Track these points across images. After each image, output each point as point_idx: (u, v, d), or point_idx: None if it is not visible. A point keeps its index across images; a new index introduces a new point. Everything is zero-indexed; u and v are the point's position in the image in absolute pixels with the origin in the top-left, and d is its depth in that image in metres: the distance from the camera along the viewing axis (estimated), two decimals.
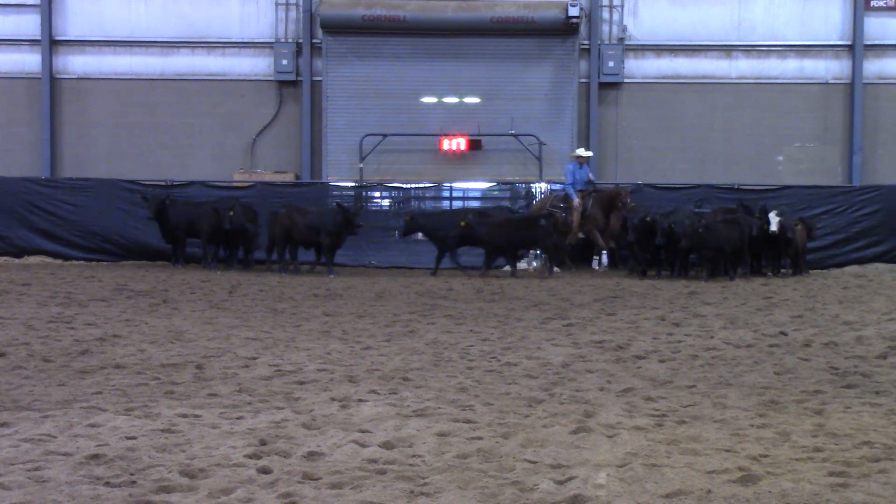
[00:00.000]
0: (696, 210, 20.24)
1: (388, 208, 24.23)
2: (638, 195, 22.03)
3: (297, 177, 25.20)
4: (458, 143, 24.93)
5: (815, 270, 20.86)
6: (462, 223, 19.22)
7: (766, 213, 19.22)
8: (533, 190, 22.90)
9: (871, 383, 8.46)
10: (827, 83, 25.51)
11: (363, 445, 6.25)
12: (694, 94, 25.59)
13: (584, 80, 25.40)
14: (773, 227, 18.82)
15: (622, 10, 25.46)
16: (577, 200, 20.58)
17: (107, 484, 5.38)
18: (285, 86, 25.62)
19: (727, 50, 25.56)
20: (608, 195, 20.60)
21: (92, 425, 6.69)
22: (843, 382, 8.51)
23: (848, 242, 21.65)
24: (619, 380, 8.64)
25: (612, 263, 21.42)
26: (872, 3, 25.23)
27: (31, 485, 5.34)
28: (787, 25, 25.44)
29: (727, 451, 6.18)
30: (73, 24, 25.71)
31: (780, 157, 25.65)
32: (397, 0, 24.91)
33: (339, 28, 25.12)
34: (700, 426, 6.86)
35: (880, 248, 21.99)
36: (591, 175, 21.36)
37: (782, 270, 19.93)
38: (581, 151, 21.55)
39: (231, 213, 19.96)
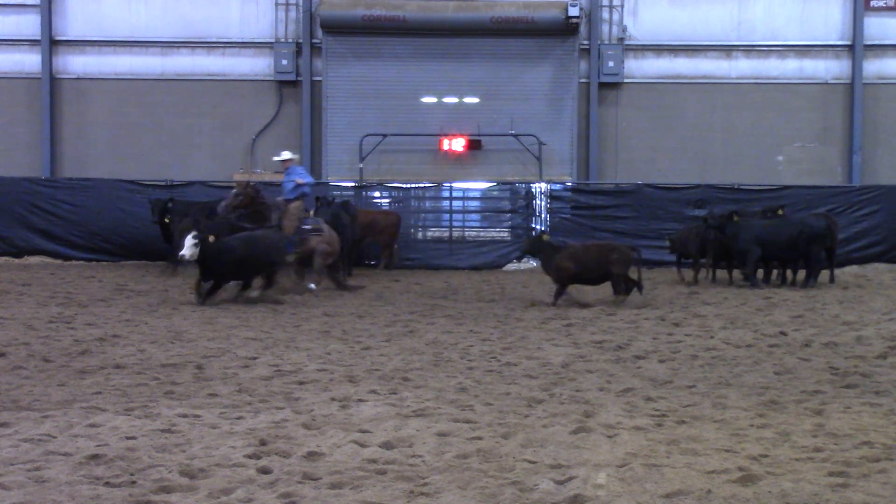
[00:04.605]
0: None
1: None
2: (637, 195, 22.06)
3: None
4: (458, 144, 24.91)
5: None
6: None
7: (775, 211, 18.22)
8: (533, 190, 22.78)
9: (871, 383, 8.46)
10: (827, 83, 25.49)
11: (363, 445, 6.25)
12: (694, 94, 25.57)
13: (583, 80, 25.38)
14: None
15: (622, 10, 25.44)
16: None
17: (107, 484, 5.38)
18: (285, 86, 25.61)
19: (727, 50, 25.55)
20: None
21: (92, 425, 6.69)
22: (843, 382, 8.51)
23: (848, 242, 21.49)
24: (619, 380, 8.64)
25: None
26: (872, 3, 25.21)
27: (31, 485, 5.34)
28: (787, 25, 25.43)
29: (727, 451, 6.18)
30: (72, 24, 25.69)
31: (780, 157, 25.64)
32: (397, 0, 24.90)
33: (338, 28, 25.11)
34: (700, 426, 6.85)
35: (880, 248, 21.97)
36: (292, 179, 16.72)
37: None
38: (284, 154, 17.23)
39: (169, 202, 19.84)
